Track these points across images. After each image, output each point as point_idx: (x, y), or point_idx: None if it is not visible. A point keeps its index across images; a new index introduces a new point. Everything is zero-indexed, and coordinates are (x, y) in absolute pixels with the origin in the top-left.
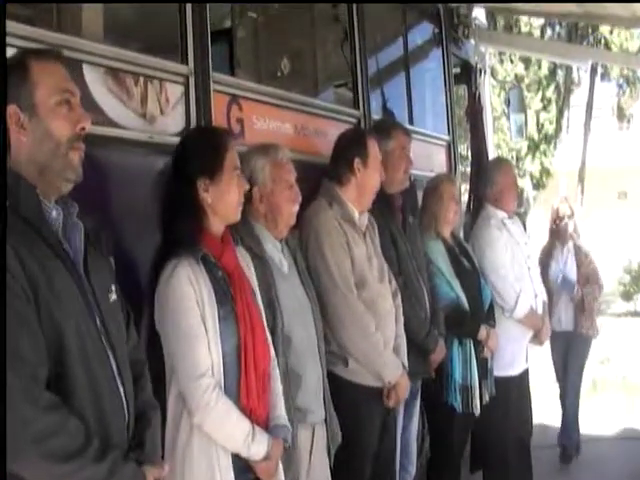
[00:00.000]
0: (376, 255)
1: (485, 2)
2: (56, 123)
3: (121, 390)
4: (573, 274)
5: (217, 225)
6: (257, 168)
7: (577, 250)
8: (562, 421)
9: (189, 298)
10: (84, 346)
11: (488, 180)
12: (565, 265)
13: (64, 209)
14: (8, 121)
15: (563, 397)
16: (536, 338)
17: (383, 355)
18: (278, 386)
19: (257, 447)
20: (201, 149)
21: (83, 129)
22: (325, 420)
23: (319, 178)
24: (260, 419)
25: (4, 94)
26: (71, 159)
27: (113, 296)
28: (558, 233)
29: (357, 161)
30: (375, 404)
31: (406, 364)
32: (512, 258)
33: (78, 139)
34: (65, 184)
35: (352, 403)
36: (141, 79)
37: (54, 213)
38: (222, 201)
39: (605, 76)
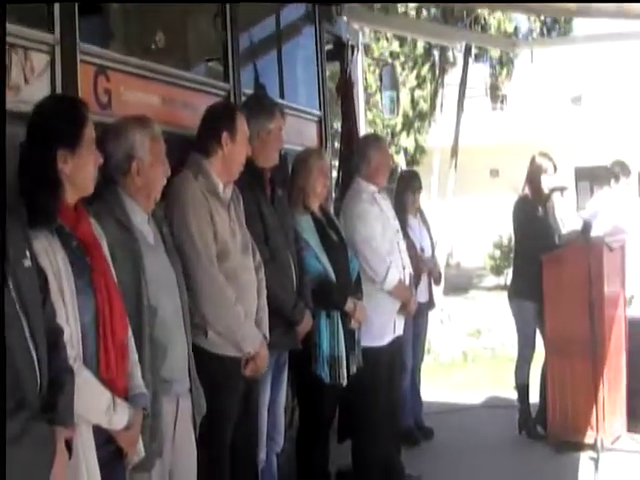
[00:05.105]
0: (239, 228)
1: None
2: None
3: (33, 354)
4: (428, 245)
5: (72, 196)
6: (136, 142)
7: (425, 222)
8: (412, 400)
9: (46, 272)
10: None
11: (362, 156)
12: (421, 236)
13: None
14: None
15: (413, 373)
16: (404, 309)
17: (243, 326)
18: (135, 356)
19: (118, 417)
20: (62, 120)
21: None
22: (190, 391)
23: (186, 150)
24: (119, 389)
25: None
26: None
27: (27, 262)
28: (409, 205)
29: (225, 135)
30: (236, 374)
31: (267, 336)
32: (383, 231)
33: None
34: None
35: (213, 374)
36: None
37: None
38: (80, 173)
39: (479, 57)
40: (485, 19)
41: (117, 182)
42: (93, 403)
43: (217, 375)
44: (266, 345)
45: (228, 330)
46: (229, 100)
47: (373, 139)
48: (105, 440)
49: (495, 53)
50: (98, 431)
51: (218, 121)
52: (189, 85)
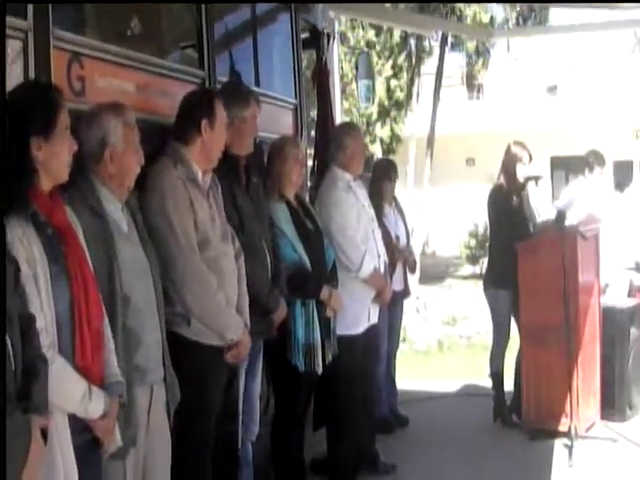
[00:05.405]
0: (219, 215)
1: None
2: None
3: (8, 341)
4: (403, 234)
5: (46, 184)
6: (110, 129)
7: (400, 211)
8: (387, 388)
9: (20, 260)
10: None
11: (337, 144)
12: (396, 225)
13: None
14: None
15: (388, 361)
16: (379, 298)
17: (225, 314)
18: (110, 343)
19: (94, 406)
20: (36, 107)
21: None
22: (164, 379)
23: (162, 138)
24: (95, 377)
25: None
26: None
27: None
28: (385, 194)
29: (205, 122)
30: (219, 363)
31: (248, 323)
32: (358, 219)
33: None
34: None
35: (197, 363)
36: None
37: None
38: (55, 160)
39: (456, 46)
40: (461, 10)
41: (91, 169)
42: (68, 391)
43: (201, 364)
44: (248, 332)
45: (210, 318)
46: (207, 87)
47: (348, 127)
48: (81, 429)
49: (471, 43)
50: (74, 420)
51: (197, 108)
52: (164, 72)
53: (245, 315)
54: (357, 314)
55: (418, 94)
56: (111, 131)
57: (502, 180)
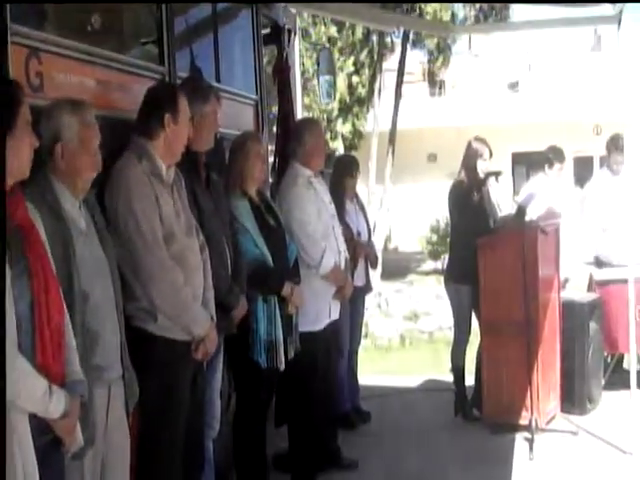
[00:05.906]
0: (183, 209)
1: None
2: None
3: None
4: (364, 229)
5: (8, 180)
6: (64, 124)
7: (362, 206)
8: (349, 384)
9: None
10: None
11: (298, 140)
12: (358, 221)
13: None
14: None
15: (350, 357)
16: (339, 293)
17: (192, 309)
18: (72, 341)
19: (55, 405)
20: None
21: None
22: (123, 377)
23: (121, 133)
24: (56, 376)
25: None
26: None
27: None
28: (346, 190)
29: (168, 117)
30: (186, 358)
31: (214, 317)
32: (318, 215)
33: None
34: None
35: (163, 358)
36: None
37: None
38: (15, 157)
39: (417, 43)
40: (421, 7)
41: (48, 165)
42: (29, 391)
43: (167, 359)
44: (215, 326)
45: (177, 313)
46: (169, 82)
47: (309, 123)
48: (43, 429)
49: (432, 40)
50: (34, 420)
51: (160, 103)
52: (124, 68)
53: (211, 309)
54: (318, 310)
55: (380, 90)
56: (65, 127)
57: (463, 176)
